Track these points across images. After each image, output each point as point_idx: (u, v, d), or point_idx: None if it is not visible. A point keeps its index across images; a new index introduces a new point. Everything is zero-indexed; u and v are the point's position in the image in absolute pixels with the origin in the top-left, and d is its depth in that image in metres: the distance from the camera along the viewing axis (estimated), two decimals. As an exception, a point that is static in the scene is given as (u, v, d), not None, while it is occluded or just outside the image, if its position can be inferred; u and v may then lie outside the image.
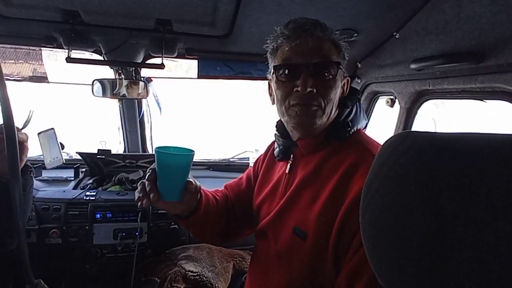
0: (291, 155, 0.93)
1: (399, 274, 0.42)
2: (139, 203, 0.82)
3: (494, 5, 0.92)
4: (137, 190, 0.84)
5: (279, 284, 0.83)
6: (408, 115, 1.38)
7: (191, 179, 0.85)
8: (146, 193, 0.81)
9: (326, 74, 0.80)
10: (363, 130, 0.92)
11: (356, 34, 1.38)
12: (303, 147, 0.89)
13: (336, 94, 0.82)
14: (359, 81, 1.69)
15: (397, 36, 1.34)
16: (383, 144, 0.48)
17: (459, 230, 0.38)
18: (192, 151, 0.83)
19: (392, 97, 1.51)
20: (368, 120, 1.76)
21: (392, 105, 1.51)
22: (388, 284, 0.44)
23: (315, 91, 0.78)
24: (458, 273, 0.38)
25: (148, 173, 0.82)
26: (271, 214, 0.89)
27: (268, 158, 1.07)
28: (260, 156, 1.14)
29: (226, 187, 1.15)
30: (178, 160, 0.80)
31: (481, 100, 1.07)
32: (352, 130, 0.86)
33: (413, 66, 1.23)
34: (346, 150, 0.83)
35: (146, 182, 0.81)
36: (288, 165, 0.93)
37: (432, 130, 1.47)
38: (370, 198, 0.48)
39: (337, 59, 0.83)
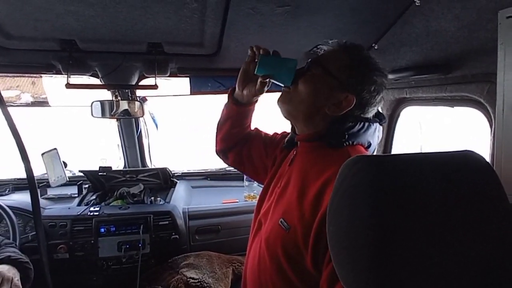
0: (295, 151, 0.98)
1: (354, 279, 0.50)
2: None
3: (457, 21, 1.00)
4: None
5: (272, 269, 0.89)
6: (390, 121, 1.46)
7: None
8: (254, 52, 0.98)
9: (310, 71, 0.89)
10: (364, 149, 0.90)
11: (338, 47, 1.46)
12: (299, 142, 0.96)
13: (310, 91, 0.87)
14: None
15: (376, 47, 1.42)
16: (342, 166, 0.56)
17: (401, 240, 0.46)
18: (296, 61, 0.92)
19: (375, 104, 1.59)
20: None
21: (375, 112, 1.59)
22: (349, 283, 0.52)
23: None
24: (400, 277, 0.46)
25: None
26: (268, 204, 0.98)
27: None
28: (282, 140, 1.13)
29: (257, 129, 1.24)
30: (291, 64, 0.90)
31: (452, 107, 1.15)
32: (347, 143, 0.87)
33: (390, 76, 1.31)
34: (334, 159, 0.85)
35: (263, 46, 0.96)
36: (291, 159, 0.98)
37: (418, 132, 1.56)
38: (332, 213, 0.56)
39: (336, 69, 0.86)
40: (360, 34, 1.37)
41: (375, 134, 0.92)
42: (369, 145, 0.91)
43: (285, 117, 0.97)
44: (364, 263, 0.47)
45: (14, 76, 1.67)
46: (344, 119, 0.87)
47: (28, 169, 0.61)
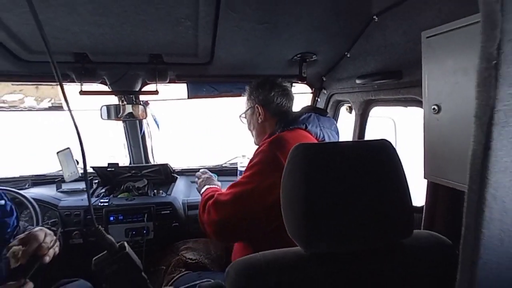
0: None
1: (294, 225, 0.71)
2: None
3: (405, 36, 1.21)
4: None
5: None
6: (362, 119, 1.67)
7: None
8: None
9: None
10: (303, 130, 1.36)
11: (315, 56, 1.67)
12: None
13: (248, 126, 1.58)
14: (325, 92, 1.98)
15: (348, 56, 1.62)
16: (290, 150, 0.77)
17: (321, 200, 0.68)
18: None
19: (350, 105, 1.80)
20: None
21: (350, 112, 1.80)
22: (292, 232, 0.73)
23: None
24: (320, 222, 0.67)
25: None
26: None
27: None
28: None
29: None
30: None
31: (406, 107, 1.35)
32: (286, 128, 1.34)
33: (358, 81, 1.52)
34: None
35: None
36: None
37: (392, 129, 1.80)
38: (283, 185, 0.77)
39: (244, 108, 1.57)
40: (333, 44, 1.58)
41: (310, 119, 1.39)
42: (306, 126, 1.36)
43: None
44: (299, 215, 0.69)
45: (34, 85, 1.88)
46: (277, 119, 1.44)
47: (84, 165, 0.82)
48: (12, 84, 1.91)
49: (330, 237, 0.69)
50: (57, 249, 1.18)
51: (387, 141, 0.77)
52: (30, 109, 1.89)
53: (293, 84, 1.97)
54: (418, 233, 0.81)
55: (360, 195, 0.70)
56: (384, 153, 0.74)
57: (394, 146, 0.76)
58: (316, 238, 0.68)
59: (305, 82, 1.83)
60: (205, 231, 1.29)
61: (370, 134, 1.87)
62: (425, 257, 0.75)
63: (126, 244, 0.92)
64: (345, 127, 2.09)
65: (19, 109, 1.92)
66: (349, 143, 0.77)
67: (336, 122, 2.02)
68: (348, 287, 0.71)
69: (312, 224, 0.68)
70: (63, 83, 1.74)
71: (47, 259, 1.09)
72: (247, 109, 1.56)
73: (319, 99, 2.05)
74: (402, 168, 0.73)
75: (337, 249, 0.72)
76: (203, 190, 1.50)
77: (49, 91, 2.08)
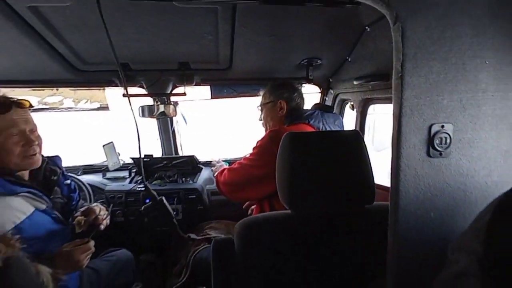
0: None
1: (283, 192, 0.98)
2: None
3: (391, 43, 1.42)
4: None
5: None
6: (361, 116, 1.89)
7: None
8: None
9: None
10: (306, 124, 1.56)
11: (320, 60, 1.90)
12: None
13: (265, 116, 1.82)
14: (332, 91, 2.20)
15: (349, 60, 1.84)
16: (282, 137, 1.03)
17: (299, 171, 0.93)
18: None
19: (352, 103, 2.02)
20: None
21: (353, 109, 2.02)
22: (282, 198, 0.99)
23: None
24: (302, 189, 0.93)
25: None
26: None
27: None
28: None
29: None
30: None
31: (395, 104, 1.56)
32: (294, 121, 1.61)
33: (355, 82, 1.74)
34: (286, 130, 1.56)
35: None
36: None
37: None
38: (277, 163, 1.03)
39: (263, 101, 1.83)
40: (335, 51, 1.81)
41: (314, 115, 1.61)
42: (308, 121, 1.55)
43: None
44: (287, 185, 0.95)
45: (86, 89, 2.25)
46: (290, 114, 1.67)
47: (140, 152, 1.15)
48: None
49: (310, 201, 0.95)
50: (108, 221, 1.52)
51: (357, 131, 1.01)
52: (83, 109, 2.26)
53: (303, 85, 2.21)
54: (384, 203, 1.05)
55: (333, 171, 0.95)
56: (353, 141, 0.99)
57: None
58: (299, 201, 0.95)
59: (311, 83, 2.07)
60: (220, 190, 1.77)
61: (377, 129, 2.09)
62: (384, 220, 0.99)
63: (163, 198, 1.27)
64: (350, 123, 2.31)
65: (73, 109, 2.29)
66: (327, 132, 1.02)
67: (342, 118, 2.25)
68: (322, 240, 0.97)
69: (297, 191, 0.94)
70: (109, 87, 2.10)
71: (102, 227, 1.43)
72: (268, 102, 1.79)
73: (327, 98, 2.28)
74: (367, 152, 0.97)
75: (315, 210, 0.97)
76: (216, 173, 1.90)
77: (85, 94, 2.33)
